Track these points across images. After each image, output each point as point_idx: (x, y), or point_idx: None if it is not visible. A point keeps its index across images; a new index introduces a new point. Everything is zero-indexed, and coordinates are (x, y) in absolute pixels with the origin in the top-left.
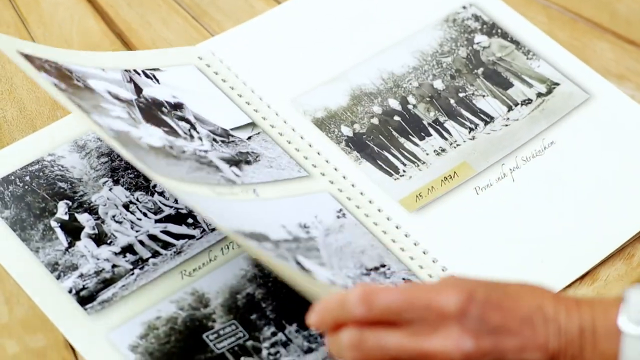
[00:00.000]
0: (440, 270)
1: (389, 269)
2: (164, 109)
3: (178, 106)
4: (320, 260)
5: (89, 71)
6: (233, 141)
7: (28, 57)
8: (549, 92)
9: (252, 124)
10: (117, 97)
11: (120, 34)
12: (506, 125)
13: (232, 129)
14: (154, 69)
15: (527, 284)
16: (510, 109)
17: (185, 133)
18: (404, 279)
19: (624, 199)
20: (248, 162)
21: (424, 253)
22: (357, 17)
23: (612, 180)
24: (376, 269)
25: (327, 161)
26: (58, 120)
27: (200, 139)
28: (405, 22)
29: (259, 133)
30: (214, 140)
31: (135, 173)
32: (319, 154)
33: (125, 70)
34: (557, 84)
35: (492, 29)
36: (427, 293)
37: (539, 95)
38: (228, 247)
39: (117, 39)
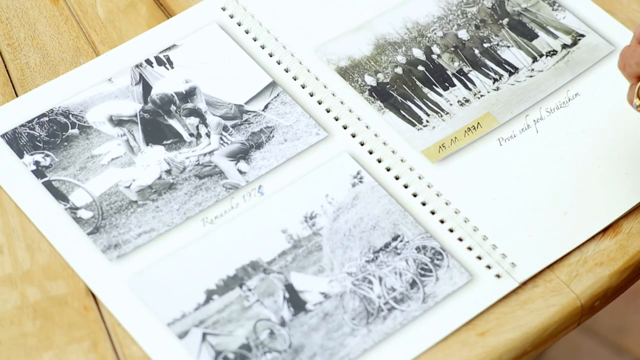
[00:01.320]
0: (462, 222)
1: (401, 240)
2: (172, 106)
3: (190, 94)
4: (319, 266)
5: (90, 97)
6: (246, 120)
7: (15, 135)
8: (574, 43)
9: (272, 85)
10: (118, 122)
11: None
12: (531, 76)
13: (247, 102)
14: (169, 48)
15: None
16: (535, 60)
17: (191, 135)
18: (417, 248)
19: None
20: (259, 146)
21: (447, 204)
22: None
23: (637, 132)
24: (386, 246)
25: (350, 110)
26: (81, 66)
27: (208, 135)
28: None
29: (277, 95)
30: (224, 129)
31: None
32: (342, 103)
33: (136, 66)
34: (583, 36)
35: None
36: None
37: (564, 46)
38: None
39: None
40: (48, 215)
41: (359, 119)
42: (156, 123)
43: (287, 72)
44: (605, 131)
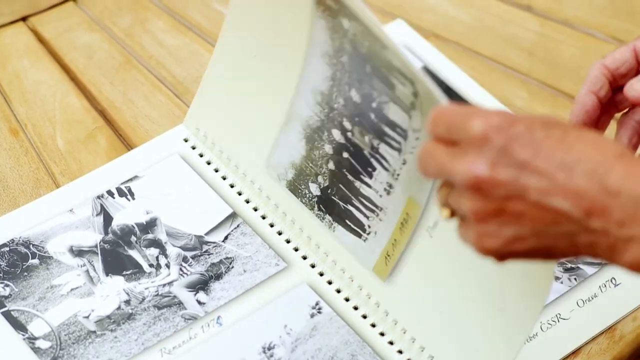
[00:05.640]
0: (419, 352)
1: None
2: (133, 237)
3: (150, 225)
4: None
5: (51, 228)
6: (206, 251)
7: None
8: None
9: (233, 216)
10: (78, 252)
11: (102, 111)
12: (417, 138)
13: (207, 233)
14: (131, 179)
15: (595, 136)
16: (408, 115)
17: (151, 266)
18: None
19: None
20: (219, 277)
21: (403, 333)
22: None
23: None
24: None
25: (309, 238)
26: (42, 197)
27: (167, 266)
28: None
29: (238, 226)
30: (184, 260)
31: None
32: (301, 230)
33: (98, 197)
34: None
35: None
36: (470, 114)
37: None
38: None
39: (99, 116)
40: (7, 345)
41: (317, 246)
42: (116, 253)
43: (247, 202)
44: None
